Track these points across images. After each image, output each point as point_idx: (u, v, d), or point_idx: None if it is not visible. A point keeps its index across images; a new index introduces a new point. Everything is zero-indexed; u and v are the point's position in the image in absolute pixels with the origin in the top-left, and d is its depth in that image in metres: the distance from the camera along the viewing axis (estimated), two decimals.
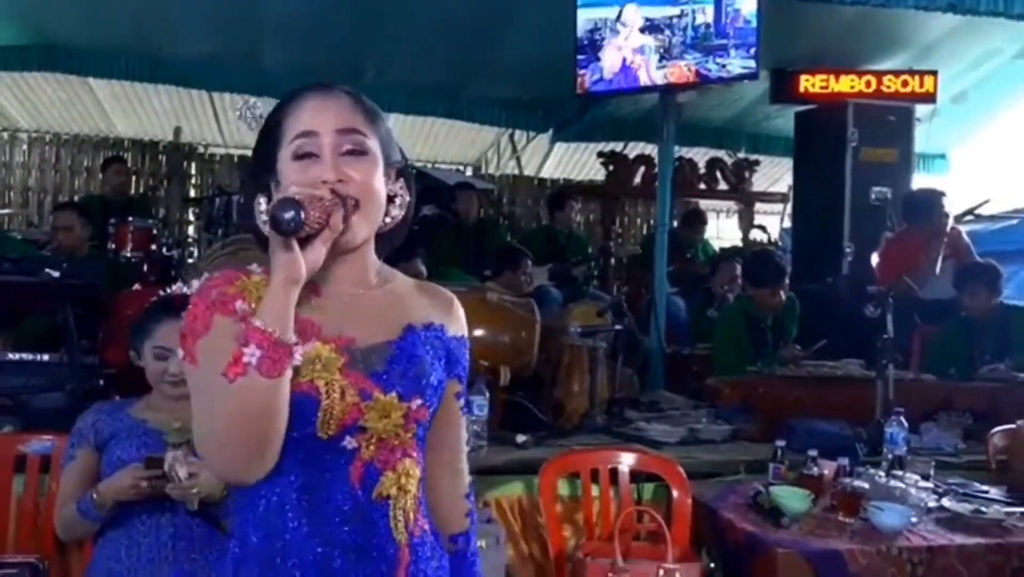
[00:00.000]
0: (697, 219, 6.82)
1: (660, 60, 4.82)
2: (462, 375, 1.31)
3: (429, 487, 1.30)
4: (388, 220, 1.24)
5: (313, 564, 1.15)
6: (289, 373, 1.08)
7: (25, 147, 7.61)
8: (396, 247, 1.29)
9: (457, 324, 1.30)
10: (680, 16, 4.78)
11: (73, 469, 2.16)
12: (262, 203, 1.19)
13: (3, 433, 2.66)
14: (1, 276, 3.24)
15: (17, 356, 3.15)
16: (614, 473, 2.75)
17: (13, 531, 2.39)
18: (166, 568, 2.05)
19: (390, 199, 1.23)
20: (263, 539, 1.16)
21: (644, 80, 4.85)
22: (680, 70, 4.79)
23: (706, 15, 4.73)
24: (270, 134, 1.19)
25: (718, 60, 4.70)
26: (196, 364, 1.11)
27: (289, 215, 1.05)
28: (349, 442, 1.16)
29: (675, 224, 7.41)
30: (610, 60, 4.89)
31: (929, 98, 6.17)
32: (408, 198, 1.26)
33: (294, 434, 1.12)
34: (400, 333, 1.21)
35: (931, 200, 4.79)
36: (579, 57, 5.06)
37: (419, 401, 1.19)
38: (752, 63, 4.68)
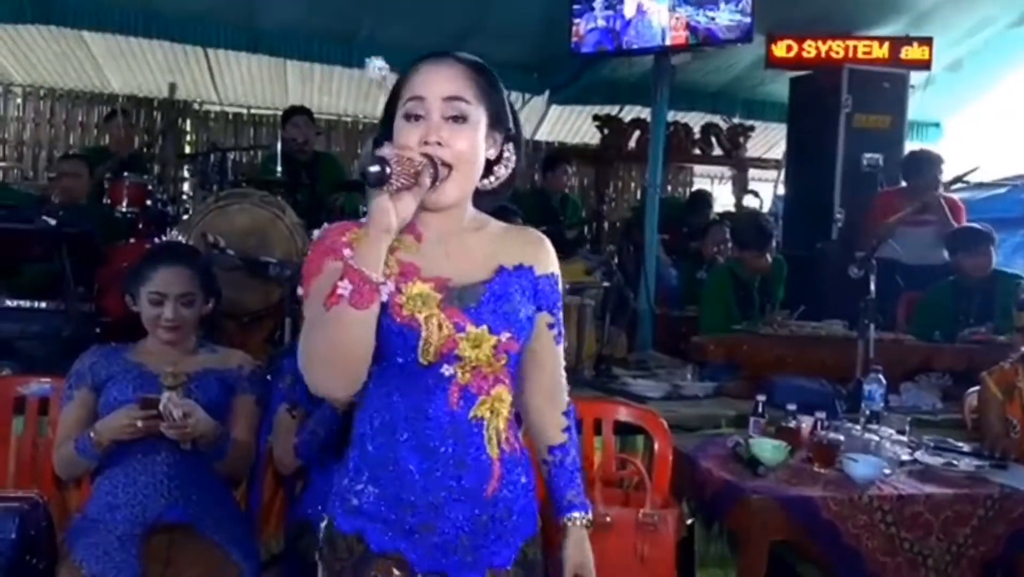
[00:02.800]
0: (704, 202, 6.79)
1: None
2: (552, 309, 1.45)
3: (529, 405, 1.50)
4: (493, 179, 1.38)
5: (419, 471, 1.33)
6: (376, 308, 1.22)
7: (19, 101, 7.57)
8: (498, 204, 1.44)
9: (546, 262, 1.43)
10: None
11: (71, 409, 2.22)
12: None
13: (2, 376, 2.69)
14: None
15: (15, 303, 3.17)
16: (598, 425, 2.82)
17: (13, 470, 2.43)
18: (161, 503, 2.12)
19: (496, 160, 1.37)
20: (377, 448, 1.34)
21: (655, 24, 4.80)
22: (672, 21, 4.76)
23: None
24: (392, 95, 1.33)
25: (708, 13, 4.68)
26: (308, 298, 1.28)
27: (375, 169, 1.17)
28: (447, 369, 1.31)
29: (681, 197, 7.41)
30: (628, 6, 4.88)
31: (924, 65, 6.11)
32: (514, 161, 1.40)
33: (400, 360, 1.30)
34: (492, 274, 1.35)
35: (928, 161, 4.79)
36: (574, 7, 5.03)
37: (508, 334, 1.33)
38: (739, 17, 4.63)
